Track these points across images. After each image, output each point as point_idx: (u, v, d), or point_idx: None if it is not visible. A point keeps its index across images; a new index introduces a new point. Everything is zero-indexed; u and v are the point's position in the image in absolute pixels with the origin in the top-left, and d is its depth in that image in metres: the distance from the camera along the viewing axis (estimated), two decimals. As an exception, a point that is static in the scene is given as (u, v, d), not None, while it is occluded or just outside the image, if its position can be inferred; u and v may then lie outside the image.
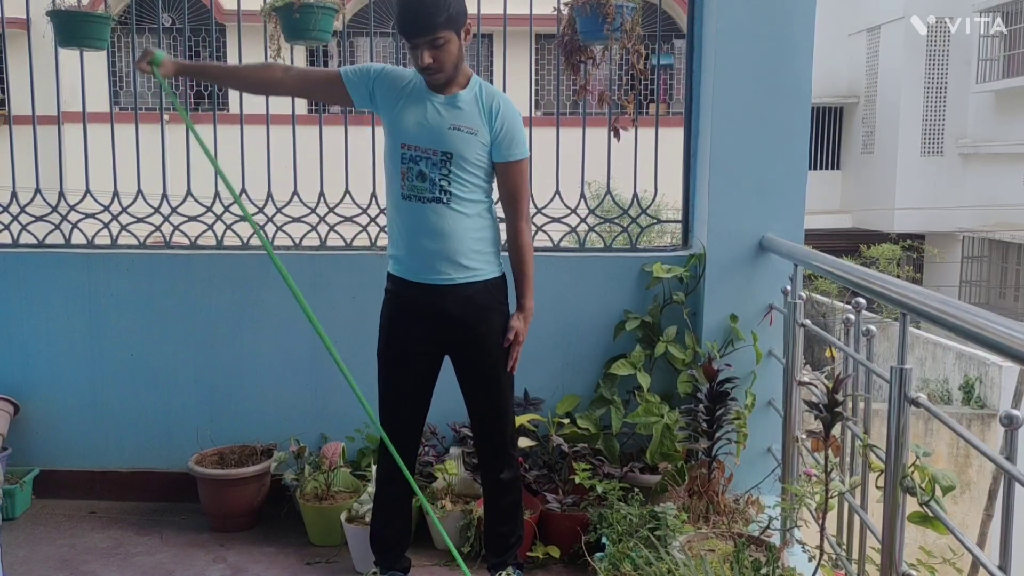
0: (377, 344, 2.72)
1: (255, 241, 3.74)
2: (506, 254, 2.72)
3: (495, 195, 2.67)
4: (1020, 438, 1.66)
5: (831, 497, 2.30)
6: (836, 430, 2.35)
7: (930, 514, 1.98)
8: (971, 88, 17.48)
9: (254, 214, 3.70)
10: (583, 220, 3.71)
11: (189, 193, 3.66)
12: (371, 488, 3.12)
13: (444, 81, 2.52)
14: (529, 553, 3.05)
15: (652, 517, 2.75)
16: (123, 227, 3.72)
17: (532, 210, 3.60)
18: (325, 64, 13.67)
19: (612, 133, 3.45)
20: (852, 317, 2.44)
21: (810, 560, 2.37)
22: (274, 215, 3.68)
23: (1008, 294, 17.41)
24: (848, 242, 17.11)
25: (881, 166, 18.38)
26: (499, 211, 2.74)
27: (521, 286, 2.69)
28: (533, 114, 3.72)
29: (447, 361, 2.75)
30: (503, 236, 2.75)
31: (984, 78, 17.27)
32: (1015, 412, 1.62)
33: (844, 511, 2.51)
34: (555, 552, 3.07)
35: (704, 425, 2.98)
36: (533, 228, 3.58)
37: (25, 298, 3.62)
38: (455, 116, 2.53)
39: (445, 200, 2.54)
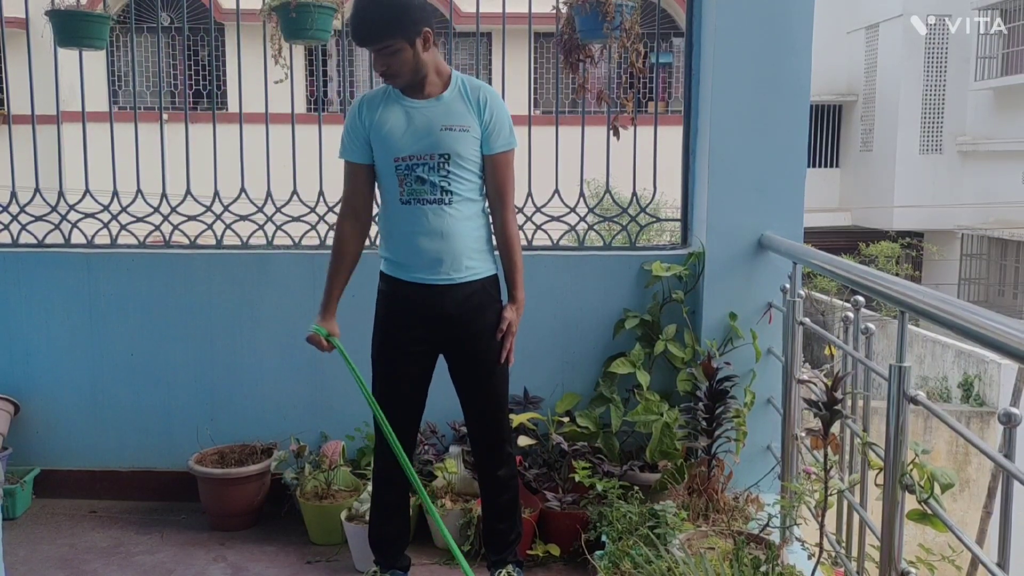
0: (372, 344, 2.72)
1: (255, 240, 3.74)
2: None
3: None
4: (1019, 436, 1.67)
5: (830, 495, 2.31)
6: (835, 428, 2.35)
7: (929, 512, 1.99)
8: (970, 86, 17.50)
9: (253, 213, 3.71)
10: (582, 219, 3.71)
11: (188, 192, 3.67)
12: (371, 487, 3.12)
13: (402, 85, 2.54)
14: (529, 551, 3.05)
15: (652, 515, 2.76)
16: (123, 227, 3.72)
17: (532, 209, 3.61)
18: (324, 63, 13.68)
19: (612, 132, 3.45)
20: (851, 315, 2.44)
21: (809, 558, 2.38)
22: (273, 214, 3.69)
23: (1007, 292, 17.42)
24: (847, 240, 17.14)
25: (880, 164, 18.40)
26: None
27: (512, 278, 2.69)
28: (532, 113, 3.72)
29: (444, 360, 2.75)
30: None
31: (983, 76, 17.28)
32: (1013, 410, 1.63)
33: (843, 509, 2.51)
34: (555, 550, 3.08)
35: (703, 423, 2.98)
36: (532, 227, 3.60)
37: (25, 298, 3.63)
38: (444, 117, 2.54)
39: (447, 201, 2.54)
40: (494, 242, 2.71)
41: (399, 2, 2.42)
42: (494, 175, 2.62)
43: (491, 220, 2.70)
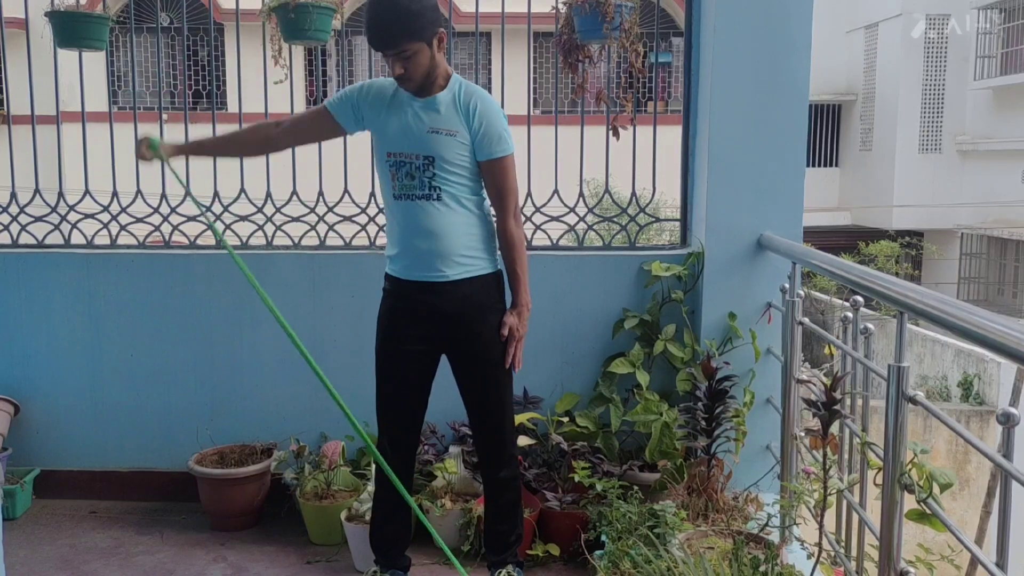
0: (375, 343, 2.73)
1: (254, 241, 3.74)
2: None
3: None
4: (1018, 436, 1.67)
5: (830, 495, 2.31)
6: (834, 428, 2.36)
7: (928, 511, 1.99)
8: (969, 85, 17.50)
9: (253, 214, 3.71)
10: (582, 219, 3.71)
11: (188, 193, 3.66)
12: (371, 487, 3.13)
13: (415, 88, 2.55)
14: (529, 551, 3.06)
15: (651, 515, 2.76)
16: (122, 227, 3.72)
17: (531, 209, 3.60)
18: (324, 63, 13.68)
19: (611, 132, 3.45)
20: (850, 315, 2.44)
21: (809, 557, 2.38)
22: (273, 215, 3.69)
23: (1006, 291, 17.42)
24: (847, 239, 17.14)
25: (879, 163, 18.39)
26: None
27: (513, 282, 2.69)
28: (532, 112, 3.72)
29: (445, 359, 2.75)
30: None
31: (982, 75, 17.28)
32: (1012, 410, 1.63)
33: (843, 509, 2.52)
34: (555, 550, 3.08)
35: (703, 423, 2.99)
36: (532, 227, 3.60)
37: (25, 298, 3.63)
38: (433, 119, 2.55)
39: (435, 197, 2.56)
40: (495, 242, 2.72)
41: (416, 5, 2.43)
42: (491, 181, 2.63)
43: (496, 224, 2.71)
